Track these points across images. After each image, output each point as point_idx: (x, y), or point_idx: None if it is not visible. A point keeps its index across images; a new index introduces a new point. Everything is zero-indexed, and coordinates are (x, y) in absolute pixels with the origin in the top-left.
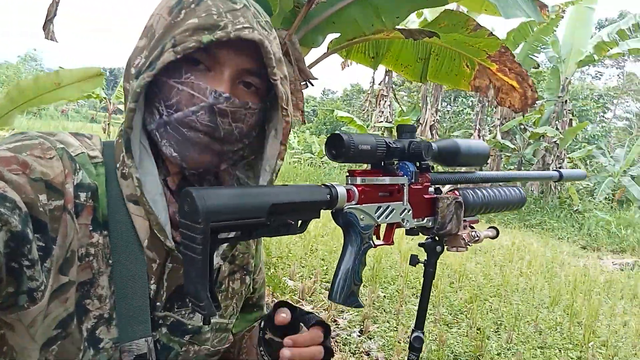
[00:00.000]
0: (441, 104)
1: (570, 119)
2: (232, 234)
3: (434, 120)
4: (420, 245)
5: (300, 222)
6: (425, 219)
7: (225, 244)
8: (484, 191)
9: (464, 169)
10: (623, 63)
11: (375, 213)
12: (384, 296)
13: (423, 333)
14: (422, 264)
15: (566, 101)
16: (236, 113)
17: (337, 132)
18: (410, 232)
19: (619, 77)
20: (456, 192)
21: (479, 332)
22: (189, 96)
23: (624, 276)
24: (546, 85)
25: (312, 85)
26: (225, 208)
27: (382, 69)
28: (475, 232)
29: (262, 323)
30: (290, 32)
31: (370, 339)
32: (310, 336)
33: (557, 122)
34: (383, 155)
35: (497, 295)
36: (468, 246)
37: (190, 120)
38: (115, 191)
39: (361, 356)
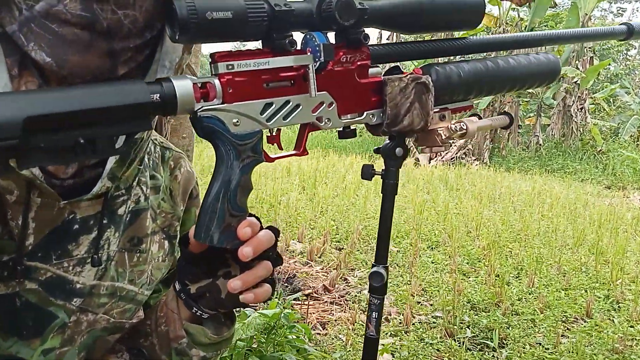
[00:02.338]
0: None
1: (592, 57)
2: None
3: None
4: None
5: (119, 137)
6: (365, 113)
7: (113, 160)
8: (478, 63)
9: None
10: None
11: (263, 113)
12: (397, 251)
13: (386, 268)
14: (380, 176)
15: None
16: None
17: None
18: (343, 134)
19: None
20: (418, 70)
21: (497, 278)
22: None
23: None
24: (565, 24)
25: None
26: None
27: None
28: (462, 123)
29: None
30: None
31: None
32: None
33: (577, 61)
34: (262, 26)
35: (517, 241)
36: (446, 144)
37: (58, 11)
38: None
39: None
